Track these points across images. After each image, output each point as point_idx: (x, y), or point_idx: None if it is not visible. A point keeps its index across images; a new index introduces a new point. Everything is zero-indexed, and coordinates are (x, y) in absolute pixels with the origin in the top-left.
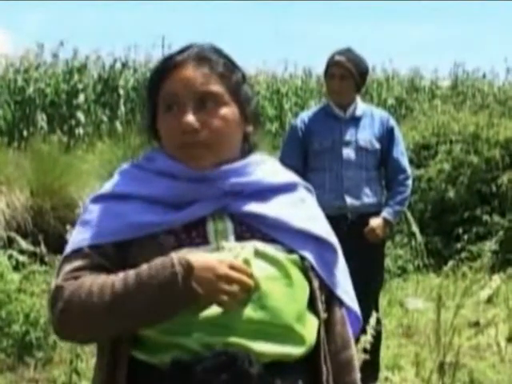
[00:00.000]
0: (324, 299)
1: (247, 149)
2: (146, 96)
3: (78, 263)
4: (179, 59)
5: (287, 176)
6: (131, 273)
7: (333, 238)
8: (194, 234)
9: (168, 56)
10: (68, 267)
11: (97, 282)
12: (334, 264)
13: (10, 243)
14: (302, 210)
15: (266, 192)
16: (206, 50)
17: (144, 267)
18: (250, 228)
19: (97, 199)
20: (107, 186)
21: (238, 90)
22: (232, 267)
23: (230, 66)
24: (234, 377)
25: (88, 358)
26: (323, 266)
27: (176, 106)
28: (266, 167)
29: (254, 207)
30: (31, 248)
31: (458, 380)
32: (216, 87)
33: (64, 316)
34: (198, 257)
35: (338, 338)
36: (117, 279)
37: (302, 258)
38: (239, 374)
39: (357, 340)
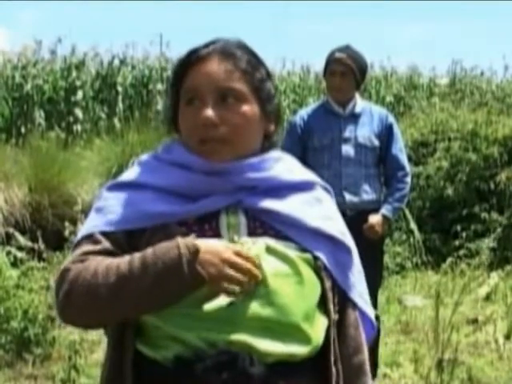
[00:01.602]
0: (337, 301)
1: (267, 147)
2: (170, 87)
3: (87, 248)
4: (203, 53)
5: (304, 174)
6: (137, 255)
7: (348, 240)
8: (207, 227)
9: (193, 49)
10: (77, 251)
11: (103, 263)
12: (349, 265)
13: (8, 239)
14: (317, 209)
15: (282, 189)
16: (231, 46)
17: (150, 250)
18: (264, 224)
19: (112, 187)
20: (124, 175)
21: (260, 88)
22: (238, 254)
23: (255, 62)
24: (234, 377)
25: (87, 354)
26: (337, 267)
27: (197, 100)
28: (283, 164)
29: (268, 203)
30: (29, 244)
31: (456, 377)
32: (238, 84)
33: (69, 297)
34: (204, 241)
35: (351, 341)
36: (122, 261)
37: (315, 258)
38: (239, 374)
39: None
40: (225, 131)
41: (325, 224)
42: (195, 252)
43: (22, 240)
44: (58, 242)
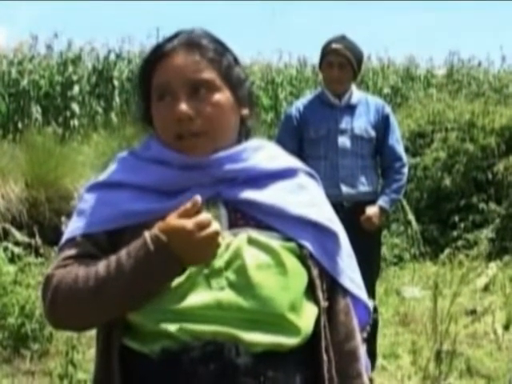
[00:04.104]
0: (326, 288)
1: (244, 132)
2: (138, 85)
3: (69, 252)
4: (168, 48)
5: (286, 161)
6: (113, 257)
7: (335, 225)
8: None
9: (157, 45)
10: (60, 256)
11: (83, 268)
12: (336, 251)
13: (5, 235)
14: (300, 196)
15: (262, 178)
16: (195, 36)
17: (124, 250)
18: (245, 215)
19: (92, 188)
20: (104, 175)
21: (229, 74)
22: (202, 226)
23: (221, 49)
24: (221, 367)
25: (84, 349)
26: (324, 254)
27: (168, 95)
28: (263, 153)
29: (248, 194)
30: (26, 240)
31: (454, 368)
32: (207, 74)
33: (53, 303)
34: (166, 225)
35: (342, 327)
36: (100, 265)
37: (300, 246)
38: (226, 365)
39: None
40: (200, 123)
41: (308, 211)
42: (162, 244)
43: (19, 236)
44: (55, 238)
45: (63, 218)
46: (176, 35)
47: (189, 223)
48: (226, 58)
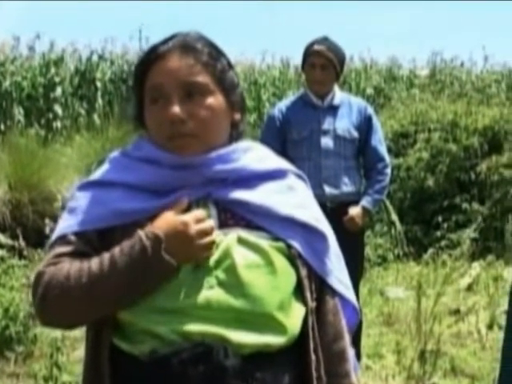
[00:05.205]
0: (314, 288)
1: (235, 136)
2: (132, 87)
3: (60, 249)
4: (162, 50)
5: (276, 163)
6: (106, 255)
7: (322, 226)
8: None
9: (152, 47)
10: (51, 254)
11: (75, 265)
12: (324, 252)
13: None
14: (289, 197)
15: (252, 179)
16: (190, 39)
17: (117, 248)
18: (235, 215)
19: (83, 186)
20: (95, 174)
21: (223, 78)
22: (198, 220)
23: (215, 53)
24: (210, 369)
25: (69, 351)
26: (312, 254)
27: (162, 98)
28: (252, 154)
29: (238, 194)
30: (10, 242)
31: (439, 368)
32: (201, 77)
33: (44, 300)
34: (162, 222)
35: (330, 328)
36: (93, 261)
37: (289, 246)
38: (214, 367)
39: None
40: (193, 126)
41: (297, 211)
42: (157, 240)
43: (2, 238)
44: (38, 240)
45: (47, 220)
46: (171, 37)
47: (186, 217)
48: (220, 63)
